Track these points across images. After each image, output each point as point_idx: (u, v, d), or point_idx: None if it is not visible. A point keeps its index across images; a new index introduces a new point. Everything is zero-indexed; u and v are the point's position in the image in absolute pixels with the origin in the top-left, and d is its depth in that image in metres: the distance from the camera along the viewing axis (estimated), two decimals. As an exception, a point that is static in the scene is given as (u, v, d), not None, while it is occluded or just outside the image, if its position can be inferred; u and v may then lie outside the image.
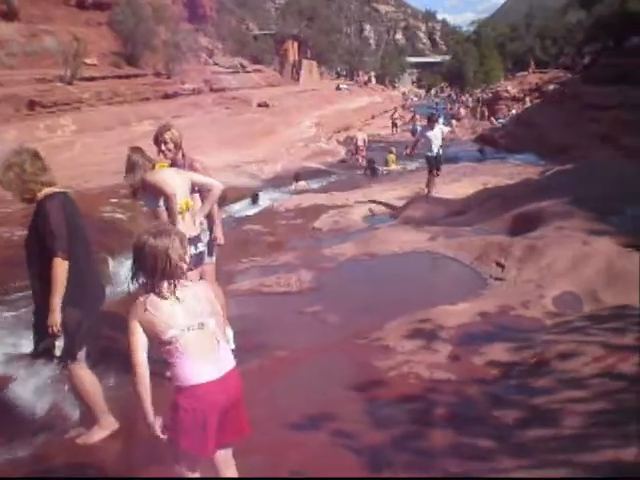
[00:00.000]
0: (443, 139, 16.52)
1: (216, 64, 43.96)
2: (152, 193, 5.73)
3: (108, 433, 5.07)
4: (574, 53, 61.26)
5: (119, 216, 14.31)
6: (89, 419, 5.16)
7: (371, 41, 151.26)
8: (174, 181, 5.79)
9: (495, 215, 11.95)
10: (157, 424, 3.40)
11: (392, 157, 27.05)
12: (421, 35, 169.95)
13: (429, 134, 15.92)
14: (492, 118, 49.90)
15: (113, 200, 15.12)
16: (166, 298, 3.31)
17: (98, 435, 5.06)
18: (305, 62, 63.30)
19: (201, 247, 6.05)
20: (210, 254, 6.46)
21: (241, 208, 18.34)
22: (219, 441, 3.39)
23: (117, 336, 7.21)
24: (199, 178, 6.04)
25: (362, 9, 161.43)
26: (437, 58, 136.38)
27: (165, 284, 3.31)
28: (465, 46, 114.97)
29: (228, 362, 3.43)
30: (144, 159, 5.80)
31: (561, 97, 38.00)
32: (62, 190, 4.85)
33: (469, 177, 19.30)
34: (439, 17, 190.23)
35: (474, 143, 38.14)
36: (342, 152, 31.91)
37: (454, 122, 51.92)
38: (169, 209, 5.67)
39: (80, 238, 4.84)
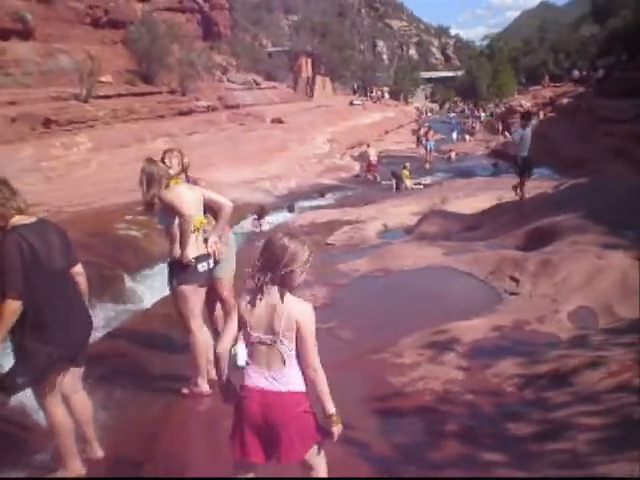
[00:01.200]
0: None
1: (230, 81, 44.20)
2: (168, 211, 5.77)
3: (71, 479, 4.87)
4: (587, 67, 61.12)
5: (134, 233, 14.40)
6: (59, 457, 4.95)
7: (384, 56, 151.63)
8: (189, 199, 5.84)
9: (509, 230, 11.94)
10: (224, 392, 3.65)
11: (406, 173, 27.05)
12: (434, 50, 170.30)
13: (524, 134, 15.04)
14: (506, 132, 49.82)
15: (128, 217, 15.21)
16: (261, 301, 3.42)
17: (61, 476, 4.89)
18: (319, 78, 63.55)
19: (210, 264, 6.07)
20: (223, 269, 6.49)
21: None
22: (264, 453, 3.44)
23: (132, 353, 7.27)
24: (211, 195, 6.08)
25: (375, 25, 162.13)
26: (450, 73, 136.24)
27: (275, 288, 3.39)
28: (478, 61, 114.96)
29: (284, 384, 3.44)
30: (160, 172, 5.84)
31: (575, 111, 37.94)
32: (30, 221, 4.56)
33: (483, 191, 19.26)
34: (452, 32, 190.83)
35: (488, 157, 38.07)
36: (356, 168, 31.97)
37: (468, 137, 52.14)
38: (183, 230, 5.71)
39: (49, 271, 4.56)
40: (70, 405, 4.91)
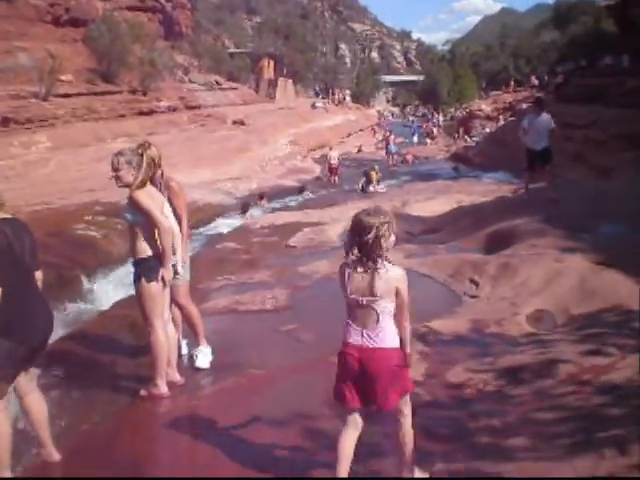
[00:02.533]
0: (550, 130, 13.49)
1: (192, 81, 43.95)
2: (141, 213, 5.67)
3: None
4: (542, 72, 61.93)
5: (93, 233, 14.29)
6: None
7: (346, 59, 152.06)
8: (160, 206, 5.79)
9: (469, 233, 12.05)
10: None
11: (374, 174, 27.07)
12: (396, 54, 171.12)
13: (536, 122, 13.41)
14: (466, 136, 50.35)
15: (87, 217, 15.10)
16: (363, 269, 3.85)
17: None
18: (281, 80, 63.49)
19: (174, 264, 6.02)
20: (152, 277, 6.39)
21: (216, 225, 18.35)
22: (364, 400, 3.98)
23: (90, 354, 7.19)
24: (166, 213, 5.94)
25: (338, 28, 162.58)
26: (412, 77, 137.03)
27: (365, 257, 3.83)
28: (439, 65, 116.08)
29: (378, 341, 3.90)
30: (157, 160, 5.97)
31: (534, 116, 38.31)
32: (5, 216, 4.59)
33: (444, 195, 19.43)
34: (414, 36, 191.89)
35: (449, 161, 38.39)
36: (317, 170, 32.01)
37: (428, 141, 52.54)
38: (166, 244, 5.66)
39: (19, 268, 4.58)
40: (24, 406, 4.82)
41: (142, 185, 5.65)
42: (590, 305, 7.15)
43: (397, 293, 3.87)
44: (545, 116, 13.40)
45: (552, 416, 4.80)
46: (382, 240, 3.78)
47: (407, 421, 4.06)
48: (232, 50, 66.90)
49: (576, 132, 27.72)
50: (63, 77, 28.51)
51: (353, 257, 3.89)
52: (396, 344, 3.94)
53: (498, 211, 13.08)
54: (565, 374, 5.36)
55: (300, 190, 24.50)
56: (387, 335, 3.91)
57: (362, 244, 3.80)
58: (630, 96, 26.48)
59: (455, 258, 9.79)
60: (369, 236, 3.74)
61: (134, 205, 5.62)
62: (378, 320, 3.89)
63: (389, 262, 3.87)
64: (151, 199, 5.67)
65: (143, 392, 5.98)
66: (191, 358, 6.70)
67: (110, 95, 31.20)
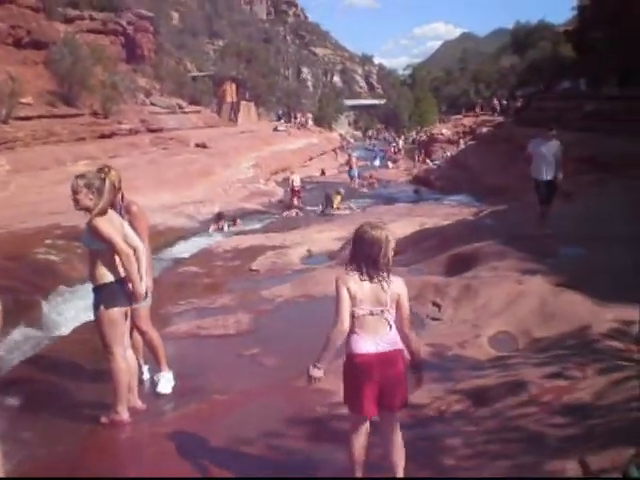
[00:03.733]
0: (557, 161, 11.82)
1: (153, 104, 43.82)
2: (101, 240, 5.61)
3: None
4: (501, 96, 62.78)
5: (53, 257, 14.09)
6: None
7: (309, 83, 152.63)
8: (120, 232, 5.73)
9: (431, 255, 12.10)
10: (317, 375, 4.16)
11: (338, 198, 27.17)
12: (358, 78, 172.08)
13: (543, 148, 11.86)
14: (427, 160, 50.77)
15: (47, 241, 14.90)
16: (369, 280, 4.03)
17: None
18: (243, 103, 63.52)
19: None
20: (144, 298, 6.32)
21: (178, 249, 18.24)
22: (377, 407, 4.10)
23: (49, 380, 7.07)
24: (128, 233, 5.90)
25: (300, 52, 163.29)
26: (374, 101, 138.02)
27: (372, 269, 4.02)
28: (400, 89, 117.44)
29: (391, 344, 4.05)
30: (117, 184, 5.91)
31: (494, 139, 38.93)
32: None
33: (406, 218, 19.51)
34: (375, 61, 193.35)
35: (410, 184, 38.66)
36: (280, 193, 32.03)
37: (390, 164, 52.90)
38: (130, 269, 5.61)
39: None
40: None
41: (102, 212, 5.59)
42: (551, 327, 7.22)
43: (399, 302, 4.10)
44: (554, 142, 11.85)
45: (514, 436, 4.83)
46: (389, 252, 4.01)
47: (400, 438, 4.24)
48: (194, 73, 66.72)
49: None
50: (23, 100, 28.25)
51: (354, 268, 4.08)
52: (402, 346, 4.12)
53: (460, 234, 13.18)
54: (527, 395, 5.39)
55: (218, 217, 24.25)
56: (397, 338, 4.08)
57: (369, 257, 4.00)
58: (588, 119, 27.01)
59: (417, 281, 9.82)
60: (378, 249, 3.97)
61: (93, 232, 5.56)
62: (390, 327, 4.07)
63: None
64: (111, 225, 5.62)
65: (104, 419, 5.89)
66: (153, 383, 6.63)
67: (71, 118, 31.01)
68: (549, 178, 11.81)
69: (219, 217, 22.36)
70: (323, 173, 45.43)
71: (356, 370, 4.08)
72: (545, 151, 11.75)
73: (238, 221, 23.32)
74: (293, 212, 26.94)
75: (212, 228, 21.86)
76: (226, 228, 21.93)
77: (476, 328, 7.60)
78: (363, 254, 4.03)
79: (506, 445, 4.75)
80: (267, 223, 24.12)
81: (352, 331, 4.05)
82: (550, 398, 5.25)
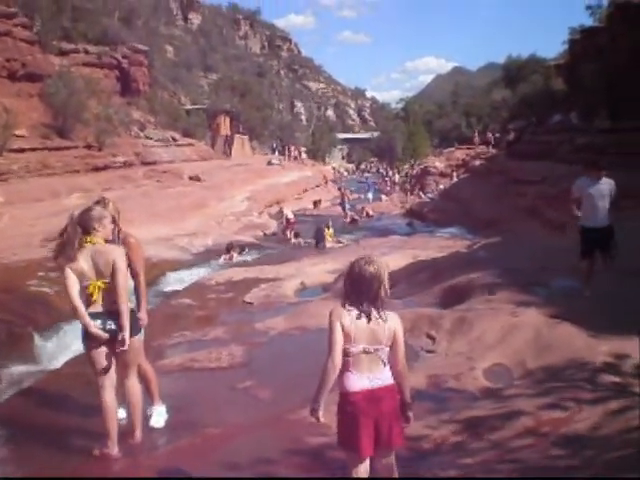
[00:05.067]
0: (610, 202, 9.90)
1: (148, 137, 43.92)
2: None
3: None
4: (493, 130, 63.11)
5: (46, 290, 14.00)
6: None
7: (302, 117, 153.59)
8: (83, 268, 5.72)
9: (425, 288, 12.11)
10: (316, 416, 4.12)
11: (329, 231, 27.23)
12: (351, 112, 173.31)
13: (591, 190, 9.94)
14: (421, 192, 50.95)
15: (40, 273, 14.81)
16: (365, 317, 4.00)
17: None
18: (237, 136, 63.78)
19: (109, 324, 5.88)
20: (138, 331, 6.29)
21: (171, 282, 18.17)
22: (373, 445, 4.02)
23: (42, 413, 7.01)
24: (116, 266, 5.86)
25: (293, 86, 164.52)
26: (366, 134, 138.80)
27: (368, 305, 3.99)
28: (393, 123, 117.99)
29: (384, 380, 4.03)
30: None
31: (487, 172, 39.16)
32: None
33: (399, 250, 19.51)
34: (368, 95, 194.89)
35: (404, 217, 38.78)
36: (274, 226, 32.05)
37: (383, 197, 53.07)
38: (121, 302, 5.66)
39: None
40: None
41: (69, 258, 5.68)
42: (546, 358, 7.21)
43: (395, 339, 4.05)
44: (605, 181, 9.97)
45: (510, 468, 4.79)
46: (384, 288, 4.00)
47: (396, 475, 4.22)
48: (188, 107, 66.99)
49: (529, 188, 28.31)
50: (18, 132, 28.28)
51: (350, 304, 4.05)
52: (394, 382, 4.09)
53: (453, 266, 13.19)
54: (523, 427, 5.36)
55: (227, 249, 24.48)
56: (389, 374, 4.08)
57: (366, 292, 3.98)
58: (579, 152, 27.17)
59: (412, 313, 9.81)
60: (375, 284, 3.97)
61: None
62: (384, 365, 4.06)
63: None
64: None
65: (96, 451, 5.83)
66: (146, 417, 6.57)
67: (65, 150, 31.04)
68: (604, 224, 9.86)
69: (229, 248, 22.53)
70: (316, 205, 45.57)
71: (351, 408, 4.02)
72: (595, 192, 9.86)
73: (246, 249, 23.77)
74: (300, 241, 27.10)
75: (223, 258, 22.05)
76: (235, 257, 22.25)
77: (471, 360, 7.58)
78: (359, 290, 4.00)
79: (504, 477, 4.71)
80: (261, 256, 24.08)
81: (346, 369, 4.02)
82: (547, 430, 5.23)
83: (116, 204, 6.22)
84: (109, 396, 5.77)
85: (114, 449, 5.80)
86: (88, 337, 5.75)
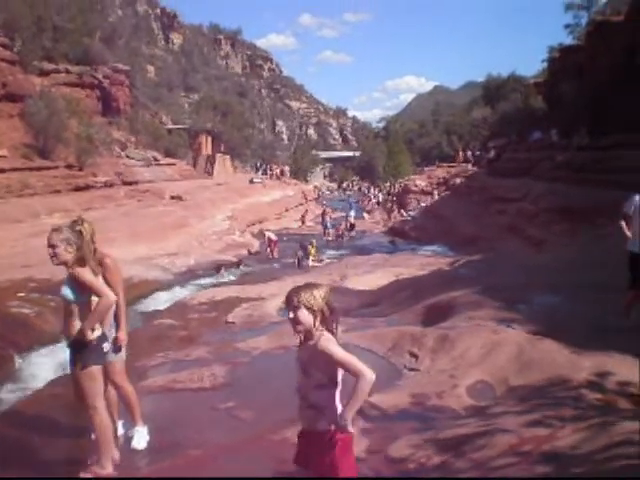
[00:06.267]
0: None
1: (129, 157, 43.90)
2: (82, 288, 5.56)
3: None
4: (474, 148, 63.55)
5: (26, 311, 13.90)
6: None
7: (284, 136, 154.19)
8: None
9: (408, 306, 12.11)
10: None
11: (312, 250, 27.28)
12: (332, 131, 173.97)
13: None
14: (402, 211, 51.14)
15: (21, 294, 14.71)
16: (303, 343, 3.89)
17: None
18: (219, 156, 63.89)
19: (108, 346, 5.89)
20: (118, 351, 6.27)
21: (153, 302, 18.08)
22: None
23: (23, 436, 6.92)
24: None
25: (275, 105, 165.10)
26: (348, 153, 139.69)
27: (334, 326, 3.87)
28: (375, 142, 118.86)
29: None
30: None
31: (468, 190, 39.41)
32: None
33: (381, 268, 19.56)
34: (349, 114, 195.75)
35: (386, 235, 38.90)
36: (256, 245, 32.05)
37: (365, 215, 53.23)
38: (101, 312, 5.56)
39: None
40: None
41: (82, 262, 5.56)
42: (529, 375, 7.21)
43: (330, 358, 3.78)
44: None
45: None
46: (318, 312, 3.79)
47: None
48: (170, 126, 67.05)
49: (509, 205, 28.50)
50: (-1, 152, 28.22)
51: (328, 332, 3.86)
52: None
53: (436, 284, 13.22)
54: (506, 445, 5.35)
55: (217, 269, 24.70)
56: None
57: (334, 320, 3.86)
58: (559, 170, 27.47)
59: (394, 331, 9.80)
60: (306, 309, 3.77)
61: (75, 282, 5.52)
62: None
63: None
64: (92, 274, 5.59)
65: (84, 474, 5.77)
66: (127, 439, 6.51)
67: (46, 170, 30.94)
68: None
69: (219, 268, 23.85)
70: (303, 219, 45.72)
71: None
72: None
73: (241, 266, 25.24)
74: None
75: (216, 276, 23.08)
76: (225, 276, 23.13)
77: (454, 378, 7.57)
78: (332, 317, 3.88)
79: (504, 477, 4.72)
80: (243, 275, 24.05)
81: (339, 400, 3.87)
82: (530, 447, 5.22)
83: (92, 224, 6.17)
84: (105, 415, 5.73)
85: (109, 468, 5.74)
86: (95, 351, 5.67)
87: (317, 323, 3.80)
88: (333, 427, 3.79)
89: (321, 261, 26.80)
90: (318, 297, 3.81)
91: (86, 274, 5.52)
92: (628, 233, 8.82)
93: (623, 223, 8.89)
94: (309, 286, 3.90)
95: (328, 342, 3.78)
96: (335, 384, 3.83)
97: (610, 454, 4.71)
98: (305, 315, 3.78)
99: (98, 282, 5.61)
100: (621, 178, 20.78)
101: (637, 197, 8.75)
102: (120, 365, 6.40)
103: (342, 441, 3.81)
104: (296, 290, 3.86)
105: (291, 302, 3.84)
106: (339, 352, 3.77)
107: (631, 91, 25.15)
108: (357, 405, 3.76)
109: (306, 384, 3.87)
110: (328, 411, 3.81)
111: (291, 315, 3.84)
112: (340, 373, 3.83)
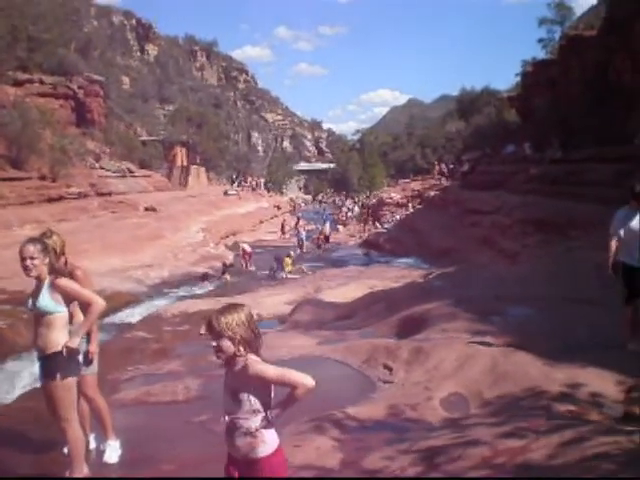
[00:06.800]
0: None
1: (103, 168, 43.63)
2: (64, 298, 5.51)
3: None
4: (448, 161, 63.91)
5: (-2, 323, 13.76)
6: None
7: (259, 148, 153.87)
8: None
9: (382, 318, 12.12)
10: None
11: (288, 261, 27.30)
12: (307, 143, 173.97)
13: (633, 222, 8.19)
14: (377, 223, 51.25)
15: (-9, 306, 14.56)
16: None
17: None
18: (193, 167, 63.78)
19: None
20: (89, 364, 6.21)
21: (126, 314, 17.97)
22: None
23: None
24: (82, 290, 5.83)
25: (250, 117, 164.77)
26: (323, 165, 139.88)
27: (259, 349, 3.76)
28: (349, 154, 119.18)
29: None
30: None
31: (442, 203, 39.59)
32: None
33: (356, 281, 19.57)
34: (324, 126, 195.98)
35: (360, 247, 38.95)
36: (230, 257, 31.98)
37: (340, 227, 53.27)
38: (94, 318, 5.55)
39: None
40: None
41: (56, 272, 5.54)
42: (502, 387, 7.24)
43: (263, 379, 3.70)
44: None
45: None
46: (240, 338, 3.69)
47: None
48: (145, 138, 66.80)
49: (483, 218, 28.66)
50: (-30, 163, 27.95)
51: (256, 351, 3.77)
52: None
53: (410, 296, 13.24)
54: (480, 457, 5.36)
55: (202, 278, 24.81)
56: None
57: (221, 349, 3.72)
58: (532, 182, 27.71)
59: (368, 344, 9.81)
60: (226, 337, 3.66)
61: (59, 292, 5.47)
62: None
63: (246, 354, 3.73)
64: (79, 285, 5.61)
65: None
66: (99, 453, 6.44)
67: (19, 181, 30.64)
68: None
69: (204, 277, 24.72)
70: (283, 231, 45.77)
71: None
72: (636, 226, 8.16)
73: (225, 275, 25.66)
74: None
75: (200, 285, 23.75)
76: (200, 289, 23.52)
77: (428, 390, 7.58)
78: (256, 341, 3.77)
79: (505, 477, 4.71)
80: (217, 287, 23.98)
81: (271, 424, 3.80)
82: (504, 459, 5.23)
83: (61, 236, 6.12)
84: (78, 427, 5.68)
85: (84, 469, 5.69)
86: (74, 361, 5.62)
87: (241, 349, 3.69)
88: (271, 451, 3.74)
89: (303, 272, 26.75)
90: (240, 322, 3.70)
91: (72, 283, 5.51)
92: (612, 251, 8.33)
93: (613, 243, 8.35)
94: (230, 310, 3.76)
95: (257, 364, 3.70)
96: (269, 406, 3.77)
97: (583, 466, 4.74)
98: (228, 344, 3.68)
99: (84, 290, 5.58)
100: (593, 191, 21.04)
101: (621, 212, 8.38)
102: (92, 378, 6.34)
103: (280, 463, 3.83)
104: (217, 316, 3.73)
105: (213, 329, 3.72)
106: (271, 370, 3.70)
107: (603, 105, 25.47)
108: (288, 408, 3.79)
109: (237, 411, 3.77)
110: (265, 435, 3.74)
111: (214, 344, 3.73)
112: (273, 395, 3.77)
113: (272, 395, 3.77)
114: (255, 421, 3.72)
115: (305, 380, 3.72)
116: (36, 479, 5.09)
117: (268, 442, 3.74)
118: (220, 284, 24.66)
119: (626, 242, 8.16)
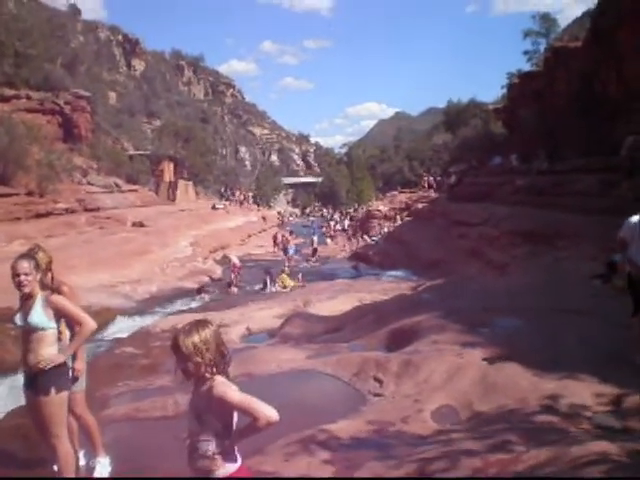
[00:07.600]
0: None
1: (90, 184, 43.48)
2: (58, 314, 5.52)
3: None
4: (435, 173, 64.16)
5: (-16, 340, 13.68)
6: None
7: (247, 162, 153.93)
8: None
9: (372, 331, 12.11)
10: None
11: (285, 277, 27.32)
12: (295, 157, 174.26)
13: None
14: (365, 236, 51.29)
15: (-22, 324, 14.45)
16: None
17: None
18: (181, 182, 63.63)
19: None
20: (74, 381, 6.19)
21: (114, 329, 17.89)
22: None
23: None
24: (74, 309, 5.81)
25: (237, 132, 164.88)
26: (311, 179, 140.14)
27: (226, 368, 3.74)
28: (337, 167, 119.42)
29: None
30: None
31: (430, 215, 39.70)
32: None
33: (345, 294, 19.55)
34: (312, 140, 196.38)
35: (349, 260, 38.98)
36: (219, 271, 31.93)
37: (329, 240, 53.29)
38: (85, 337, 5.55)
39: None
40: None
41: (48, 289, 5.56)
42: (492, 399, 7.25)
43: (226, 403, 3.66)
44: None
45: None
46: (207, 360, 3.65)
47: None
48: (132, 152, 66.61)
49: (471, 229, 28.75)
50: (-43, 179, 27.84)
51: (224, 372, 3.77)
52: None
53: (399, 308, 13.25)
54: (471, 469, 5.36)
55: (198, 291, 24.88)
56: None
57: (188, 371, 3.67)
58: (519, 194, 27.84)
59: (358, 357, 9.80)
60: (192, 361, 3.61)
61: (54, 309, 5.48)
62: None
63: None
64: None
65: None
66: (89, 469, 6.41)
67: (6, 197, 30.50)
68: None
69: (199, 290, 25.08)
70: (275, 242, 45.75)
71: None
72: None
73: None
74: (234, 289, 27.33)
75: (198, 298, 24.24)
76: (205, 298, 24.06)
77: (418, 403, 7.58)
78: (223, 361, 3.76)
79: (505, 477, 4.71)
80: (206, 301, 23.92)
81: (231, 448, 3.78)
82: (495, 471, 5.23)
83: (47, 252, 6.11)
84: (69, 444, 5.66)
85: None
86: (67, 375, 5.63)
87: (208, 369, 3.66)
88: (232, 471, 3.73)
89: (303, 287, 26.61)
90: (207, 341, 3.65)
91: (66, 301, 5.51)
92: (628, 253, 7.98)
93: (620, 248, 8.20)
94: (197, 328, 3.70)
95: (223, 386, 3.67)
96: (230, 431, 3.73)
97: (574, 476, 4.75)
98: (194, 367, 3.64)
99: (77, 308, 5.58)
100: (580, 202, 21.16)
101: (631, 221, 7.90)
102: (80, 396, 6.33)
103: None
104: (182, 337, 3.66)
105: (178, 350, 3.65)
106: (235, 396, 3.64)
107: (589, 116, 25.64)
108: (245, 438, 3.75)
109: (200, 432, 3.74)
110: (222, 460, 3.71)
111: (180, 365, 3.68)
112: (235, 419, 3.73)
113: (235, 419, 3.73)
114: (214, 445, 3.70)
115: (269, 412, 3.62)
116: (36, 479, 5.05)
117: (227, 466, 3.71)
118: (214, 297, 24.63)
119: (633, 250, 7.83)
